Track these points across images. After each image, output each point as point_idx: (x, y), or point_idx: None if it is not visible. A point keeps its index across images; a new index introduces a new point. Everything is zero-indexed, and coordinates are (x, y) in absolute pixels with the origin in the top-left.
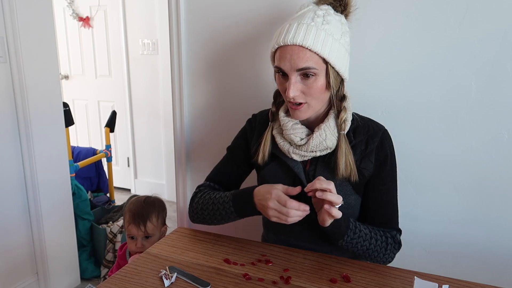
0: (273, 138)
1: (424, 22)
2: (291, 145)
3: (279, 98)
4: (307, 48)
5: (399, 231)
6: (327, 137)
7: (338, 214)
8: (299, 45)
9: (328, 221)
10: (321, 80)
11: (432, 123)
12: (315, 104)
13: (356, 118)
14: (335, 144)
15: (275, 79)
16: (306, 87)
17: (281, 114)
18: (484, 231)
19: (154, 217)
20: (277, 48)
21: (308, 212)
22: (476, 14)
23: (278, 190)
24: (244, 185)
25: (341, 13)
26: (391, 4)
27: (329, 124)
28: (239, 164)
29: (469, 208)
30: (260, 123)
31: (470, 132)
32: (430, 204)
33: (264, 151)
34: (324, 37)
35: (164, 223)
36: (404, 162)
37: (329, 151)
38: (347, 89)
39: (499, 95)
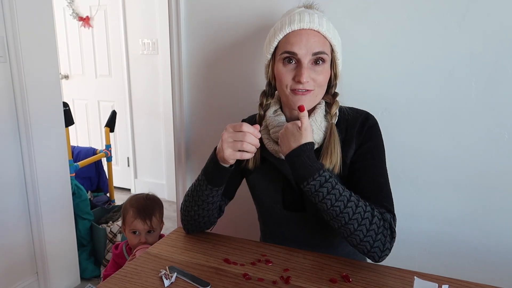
0: (260, 140)
1: (425, 22)
2: (278, 144)
3: (266, 100)
4: (321, 34)
5: (392, 213)
6: (314, 132)
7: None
8: (315, 30)
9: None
10: (327, 70)
11: (432, 123)
12: (319, 94)
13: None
14: (322, 139)
15: (270, 71)
16: (316, 74)
17: (269, 114)
18: (484, 231)
19: (157, 213)
20: (287, 34)
21: (258, 134)
22: (476, 14)
23: (230, 124)
24: (239, 191)
25: None
26: (392, 4)
27: (316, 119)
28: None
29: (469, 208)
30: None
31: (470, 132)
32: (430, 203)
33: (256, 157)
34: (332, 28)
35: (162, 220)
36: (405, 162)
37: (316, 146)
38: (347, 89)
39: (499, 95)
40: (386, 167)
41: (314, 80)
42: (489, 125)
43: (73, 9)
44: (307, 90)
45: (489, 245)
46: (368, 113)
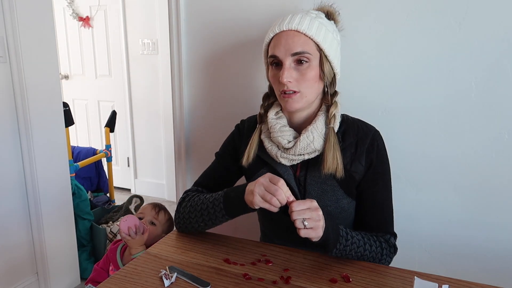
0: (261, 143)
1: (424, 23)
2: (279, 149)
3: (268, 100)
4: (302, 33)
5: (394, 235)
6: (314, 139)
7: (305, 234)
8: (294, 30)
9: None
10: (315, 69)
11: (432, 124)
12: (309, 94)
13: (346, 119)
14: (322, 146)
15: (267, 76)
16: (300, 74)
17: (270, 116)
18: (484, 232)
19: (166, 214)
20: (272, 37)
21: (291, 197)
22: (476, 14)
23: (270, 173)
24: None
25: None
26: (391, 5)
27: (317, 126)
28: (228, 170)
29: (469, 209)
30: (248, 129)
31: (470, 133)
32: (430, 204)
33: (249, 153)
34: (318, 26)
35: (166, 228)
36: (404, 162)
37: (317, 153)
38: (346, 90)
39: (499, 96)
40: (391, 186)
41: (298, 81)
42: (489, 125)
43: (73, 9)
44: (294, 92)
45: (489, 245)
46: (377, 130)
